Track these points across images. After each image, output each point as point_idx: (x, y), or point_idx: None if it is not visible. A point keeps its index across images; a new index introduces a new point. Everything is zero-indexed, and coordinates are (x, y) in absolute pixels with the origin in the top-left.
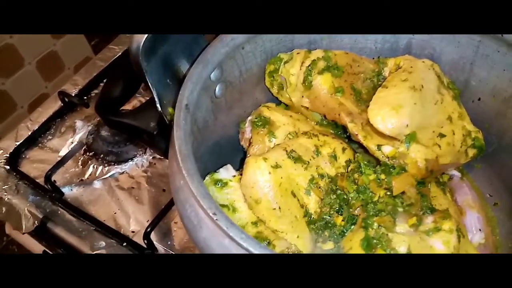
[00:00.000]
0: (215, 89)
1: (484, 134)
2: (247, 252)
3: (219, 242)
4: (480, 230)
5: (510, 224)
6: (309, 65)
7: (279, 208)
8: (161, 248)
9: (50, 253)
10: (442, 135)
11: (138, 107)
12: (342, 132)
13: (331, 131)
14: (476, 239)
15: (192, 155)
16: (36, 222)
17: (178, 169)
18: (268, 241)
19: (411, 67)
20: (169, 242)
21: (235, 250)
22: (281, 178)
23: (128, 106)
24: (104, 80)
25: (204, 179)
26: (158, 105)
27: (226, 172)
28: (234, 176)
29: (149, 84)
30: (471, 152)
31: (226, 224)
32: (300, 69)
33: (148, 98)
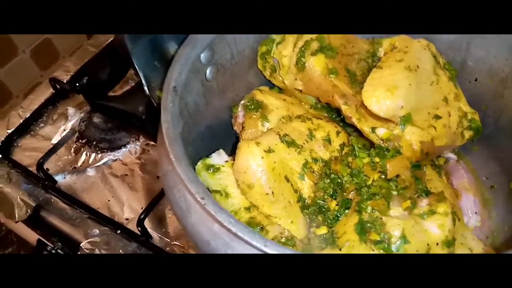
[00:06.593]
0: (206, 72)
1: (481, 115)
2: (235, 237)
3: (208, 228)
4: (476, 213)
5: (506, 206)
6: (302, 46)
7: (272, 193)
8: (155, 235)
9: (45, 241)
10: (437, 117)
11: (126, 91)
12: (336, 115)
13: (326, 114)
14: (472, 222)
15: (180, 138)
16: (29, 210)
17: (166, 153)
18: (261, 226)
19: (407, 47)
20: (163, 229)
21: (224, 235)
22: (274, 162)
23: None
24: None
25: (196, 164)
26: (145, 88)
27: (219, 157)
28: (227, 161)
29: (136, 66)
30: (467, 134)
31: (214, 209)
32: (293, 50)
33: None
